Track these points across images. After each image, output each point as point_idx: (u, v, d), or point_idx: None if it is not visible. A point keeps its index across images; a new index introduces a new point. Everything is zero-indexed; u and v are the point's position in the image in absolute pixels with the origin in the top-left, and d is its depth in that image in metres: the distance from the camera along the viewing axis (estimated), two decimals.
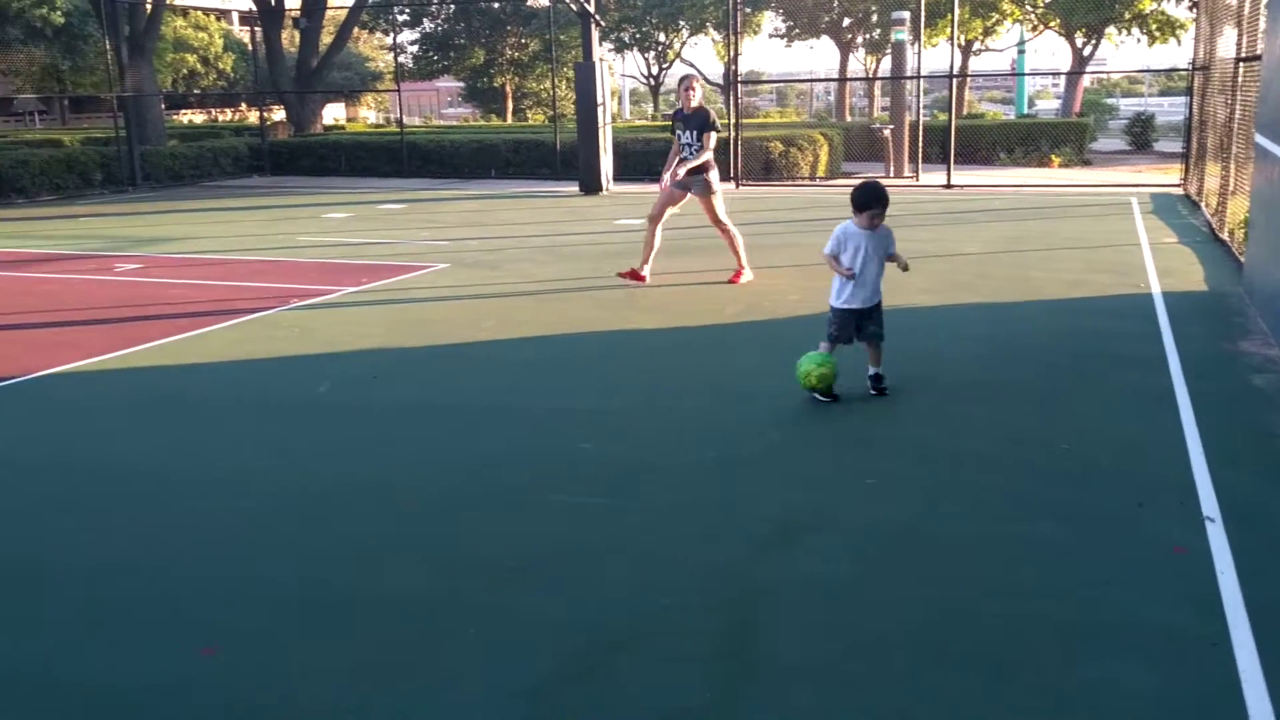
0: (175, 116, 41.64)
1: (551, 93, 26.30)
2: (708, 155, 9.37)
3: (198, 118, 46.04)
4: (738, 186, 19.20)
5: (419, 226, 14.34)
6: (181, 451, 5.46)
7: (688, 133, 9.37)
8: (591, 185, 18.33)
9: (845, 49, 38.84)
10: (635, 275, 9.75)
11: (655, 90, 49.18)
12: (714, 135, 9.37)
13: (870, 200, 5.99)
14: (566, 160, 20.76)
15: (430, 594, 3.84)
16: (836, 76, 40.09)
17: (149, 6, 24.27)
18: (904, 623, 3.56)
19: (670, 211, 9.72)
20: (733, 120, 19.64)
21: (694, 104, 9.40)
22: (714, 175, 9.49)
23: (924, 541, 4.20)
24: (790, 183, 20.00)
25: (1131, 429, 5.48)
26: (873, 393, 6.11)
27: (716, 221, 9.64)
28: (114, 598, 3.86)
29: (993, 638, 3.46)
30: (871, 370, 6.18)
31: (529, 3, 18.05)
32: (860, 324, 6.11)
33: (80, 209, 17.77)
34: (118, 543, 4.34)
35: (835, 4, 35.44)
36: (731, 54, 20.08)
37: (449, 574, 4.00)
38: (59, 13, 35.45)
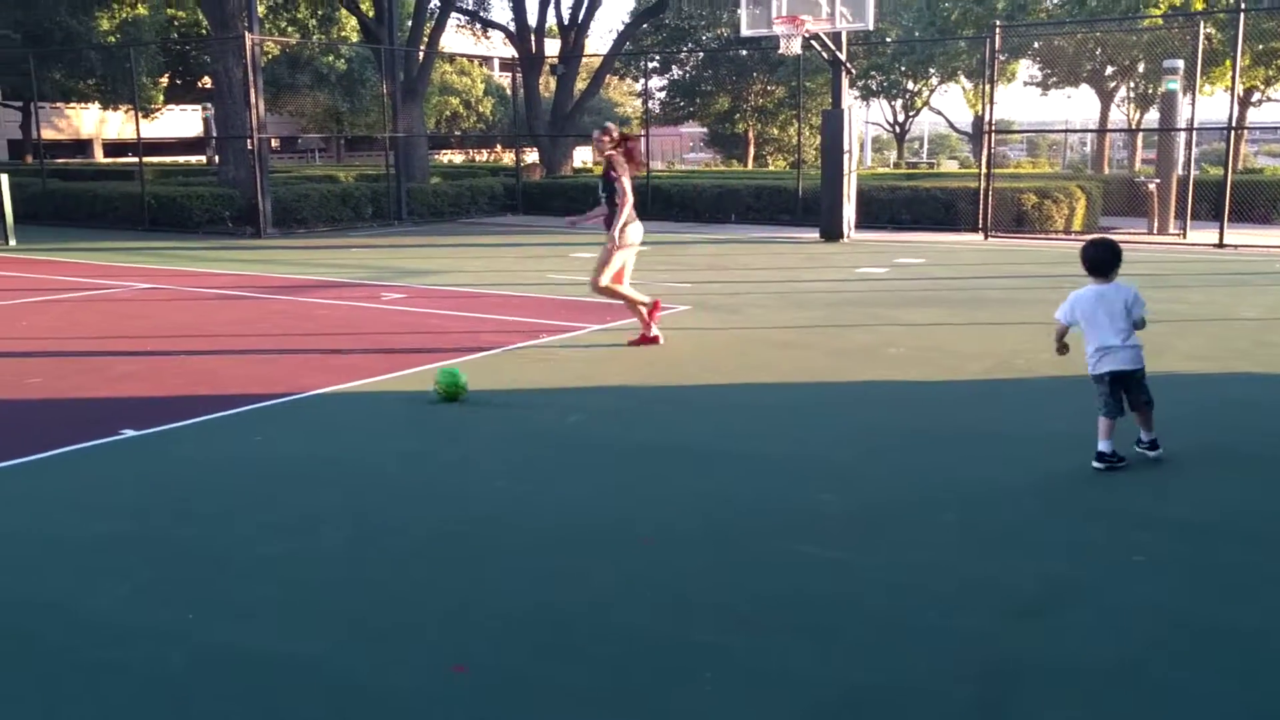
0: (437, 156, 44.24)
1: (797, 139, 26.30)
2: (623, 209, 8.82)
3: (457, 157, 48.77)
4: (986, 238, 18.59)
5: (661, 269, 14.61)
6: (427, 474, 5.73)
7: (601, 185, 9.06)
8: (833, 232, 18.19)
9: (1106, 98, 37.09)
10: (645, 339, 9.13)
11: (900, 138, 48.47)
12: (619, 188, 8.79)
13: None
14: (808, 206, 20.70)
15: (666, 634, 3.85)
16: (1097, 127, 38.27)
17: (422, 54, 25.98)
18: (1171, 715, 3.29)
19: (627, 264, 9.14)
20: (984, 170, 19.07)
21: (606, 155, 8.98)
22: (612, 234, 8.87)
23: (1202, 629, 3.87)
24: (1043, 236, 19.19)
25: None
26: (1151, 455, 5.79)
27: (595, 283, 9.02)
28: (371, 611, 4.07)
29: None
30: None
31: (779, 51, 18.15)
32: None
33: (352, 240, 19.10)
34: (371, 560, 4.58)
35: (1099, 52, 33.92)
36: (986, 102, 19.52)
37: (686, 615, 4.00)
38: (343, 60, 38.38)
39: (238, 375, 8.02)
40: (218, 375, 8.03)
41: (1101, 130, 36.93)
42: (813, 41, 17.56)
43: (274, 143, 42.80)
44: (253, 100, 19.77)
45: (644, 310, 9.14)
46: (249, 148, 20.25)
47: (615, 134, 8.99)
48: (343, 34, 37.83)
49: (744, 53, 40.55)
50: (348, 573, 4.43)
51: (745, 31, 18.31)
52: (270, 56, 36.02)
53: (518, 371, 8.15)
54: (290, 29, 32.60)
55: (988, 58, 19.36)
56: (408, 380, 7.87)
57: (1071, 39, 32.45)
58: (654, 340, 9.10)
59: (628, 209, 8.86)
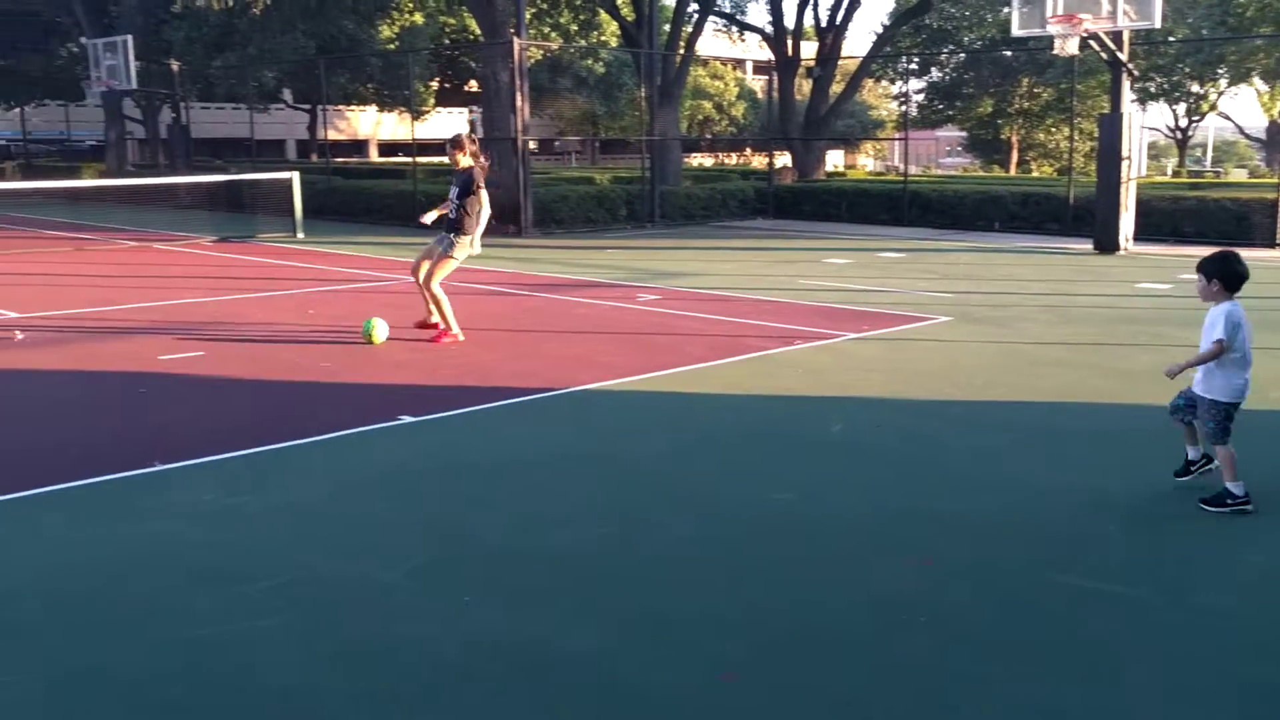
0: (686, 159, 44.81)
1: (1069, 144, 24.93)
2: (480, 219, 9.25)
3: (707, 161, 49.18)
4: None
5: (919, 276, 14.14)
6: (694, 476, 5.70)
7: (452, 189, 9.32)
8: (1108, 244, 17.08)
9: None
10: (443, 336, 9.29)
11: (1181, 144, 45.22)
12: (476, 198, 9.15)
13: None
14: (1079, 215, 19.55)
15: (932, 660, 3.64)
16: None
17: (679, 58, 26.29)
18: None
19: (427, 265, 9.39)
20: None
21: (461, 164, 9.22)
22: (463, 240, 9.23)
23: None
24: None
25: None
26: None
27: (428, 279, 9.27)
28: (640, 609, 4.05)
29: None
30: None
31: (1053, 52, 17.23)
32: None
33: (607, 241, 19.53)
34: (634, 556, 4.58)
35: None
36: None
37: (950, 642, 3.77)
38: (601, 64, 39.41)
39: (503, 369, 8.29)
40: (485, 368, 8.32)
41: None
42: (1090, 41, 16.55)
43: (532, 145, 44.59)
44: (518, 103, 20.53)
45: (441, 318, 9.32)
46: (513, 149, 21.05)
47: (476, 145, 9.40)
48: (602, 38, 38.88)
49: (1010, 54, 38.89)
50: (615, 568, 4.45)
51: (1016, 32, 17.47)
52: (533, 61, 37.42)
53: (773, 378, 8.04)
54: (553, 34, 33.75)
55: None
56: (666, 380, 7.90)
57: None
58: (448, 336, 9.31)
59: (485, 220, 9.30)
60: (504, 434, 6.53)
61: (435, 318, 9.39)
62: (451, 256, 9.29)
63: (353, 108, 44.21)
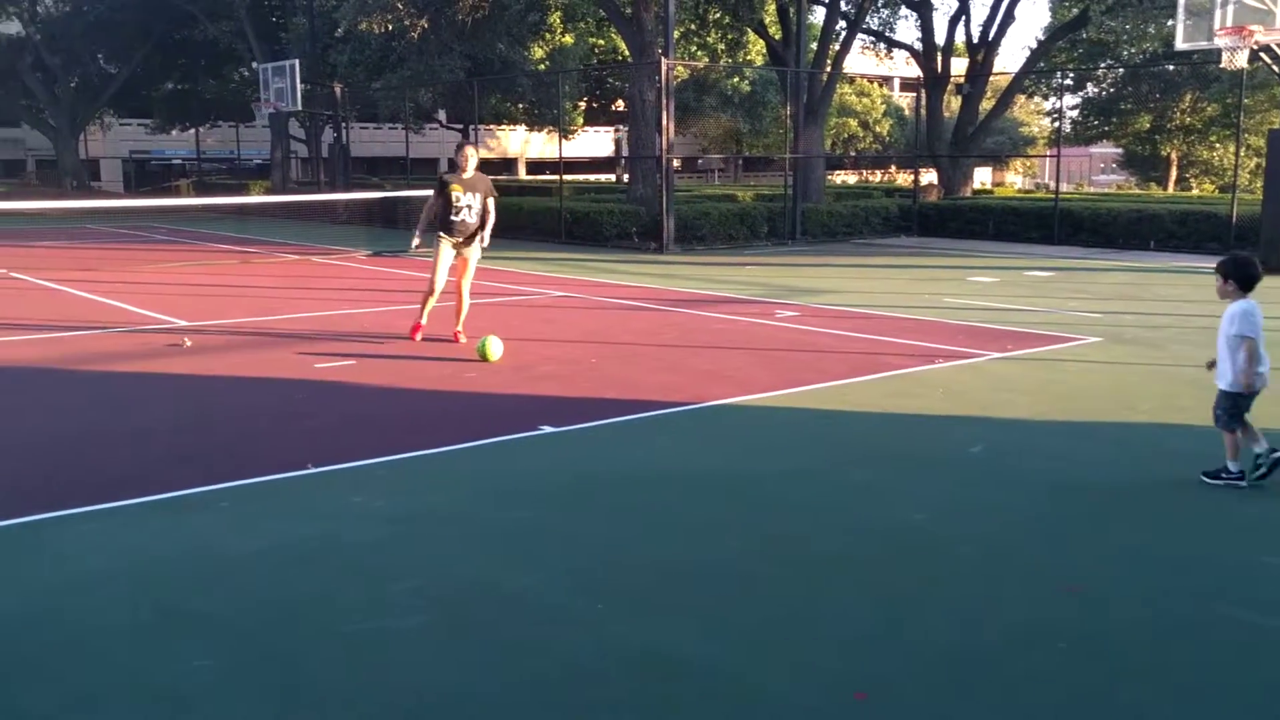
0: (830, 176, 44.46)
1: (1234, 161, 23.85)
2: (489, 225, 9.95)
3: (850, 178, 48.70)
4: None
5: (1068, 296, 13.73)
6: (829, 494, 5.69)
7: (470, 194, 9.77)
8: (1274, 262, 16.19)
9: None
10: (413, 331, 10.18)
11: None
12: (489, 207, 9.92)
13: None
14: (1242, 234, 18.66)
15: (1082, 687, 3.56)
16: None
17: (826, 76, 26.16)
18: None
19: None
20: None
21: (471, 170, 9.77)
22: (485, 243, 10.03)
23: None
24: None
25: None
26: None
27: (466, 285, 10.05)
28: (774, 625, 4.08)
29: None
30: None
31: (1220, 65, 16.53)
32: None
33: (747, 258, 19.56)
34: (767, 572, 4.61)
35: None
36: None
37: (1106, 670, 3.68)
38: (747, 82, 39.49)
39: (642, 382, 8.42)
40: (624, 380, 8.47)
41: None
42: (1261, 54, 15.83)
43: (676, 162, 44.89)
44: (664, 122, 20.77)
45: (422, 318, 10.17)
46: (656, 167, 21.30)
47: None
48: (748, 57, 38.95)
49: (1171, 68, 37.36)
50: (751, 583, 4.49)
51: (1180, 45, 16.85)
52: (679, 80, 37.76)
53: (912, 396, 7.94)
54: (700, 53, 33.98)
55: None
56: (803, 397, 7.89)
57: None
58: (415, 332, 10.13)
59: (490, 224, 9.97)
60: (642, 447, 6.64)
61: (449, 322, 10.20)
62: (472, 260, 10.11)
63: (503, 127, 45.36)
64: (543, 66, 36.11)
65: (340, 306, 12.79)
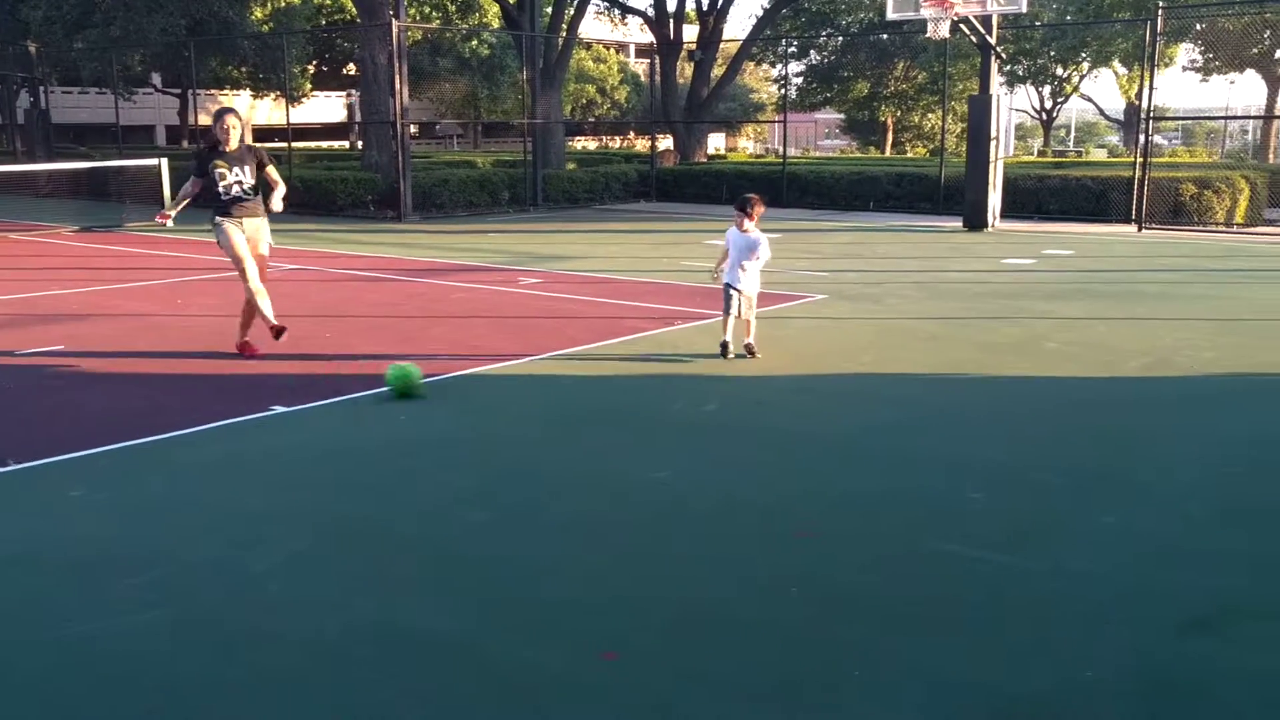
0: (570, 142, 44.69)
1: (941, 126, 25.63)
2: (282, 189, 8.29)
3: (591, 144, 49.12)
4: (1140, 229, 17.78)
5: (797, 256, 14.39)
6: (574, 459, 5.72)
7: (239, 169, 8.01)
8: (977, 221, 17.64)
9: (1275, 83, 35.09)
10: (247, 348, 8.21)
11: (1047, 125, 46.86)
12: (271, 177, 8.24)
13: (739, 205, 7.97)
14: (950, 195, 20.16)
15: (816, 628, 3.75)
16: (1263, 114, 36.25)
17: (561, 41, 26.17)
18: None
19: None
20: (1140, 158, 18.27)
21: (235, 141, 8.04)
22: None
23: None
24: (1201, 228, 18.25)
25: None
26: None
27: (259, 275, 8.14)
28: (523, 589, 4.06)
29: None
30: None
31: (926, 35, 17.66)
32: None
33: (488, 225, 19.39)
34: (512, 540, 4.59)
35: (1267, 35, 32.08)
36: (1145, 88, 18.63)
37: (836, 612, 3.89)
38: (485, 46, 38.98)
39: (381, 355, 8.18)
40: (363, 355, 8.20)
41: (1269, 117, 35.00)
42: (961, 25, 17.04)
43: (413, 128, 43.80)
44: (397, 86, 20.20)
45: (266, 311, 8.10)
46: (392, 133, 20.72)
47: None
48: (484, 20, 38.44)
49: (886, 37, 39.72)
50: (493, 552, 4.44)
51: (891, 15, 17.88)
52: (413, 42, 36.80)
53: (652, 357, 8.11)
54: (434, 15, 33.27)
55: (1148, 41, 18.47)
56: (546, 363, 7.90)
57: (1238, 20, 30.78)
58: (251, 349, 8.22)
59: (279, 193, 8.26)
60: (382, 422, 6.45)
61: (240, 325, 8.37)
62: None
63: (225, 92, 42.89)
64: (266, 27, 34.32)
65: (46, 287, 11.74)
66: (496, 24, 36.86)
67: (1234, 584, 4.12)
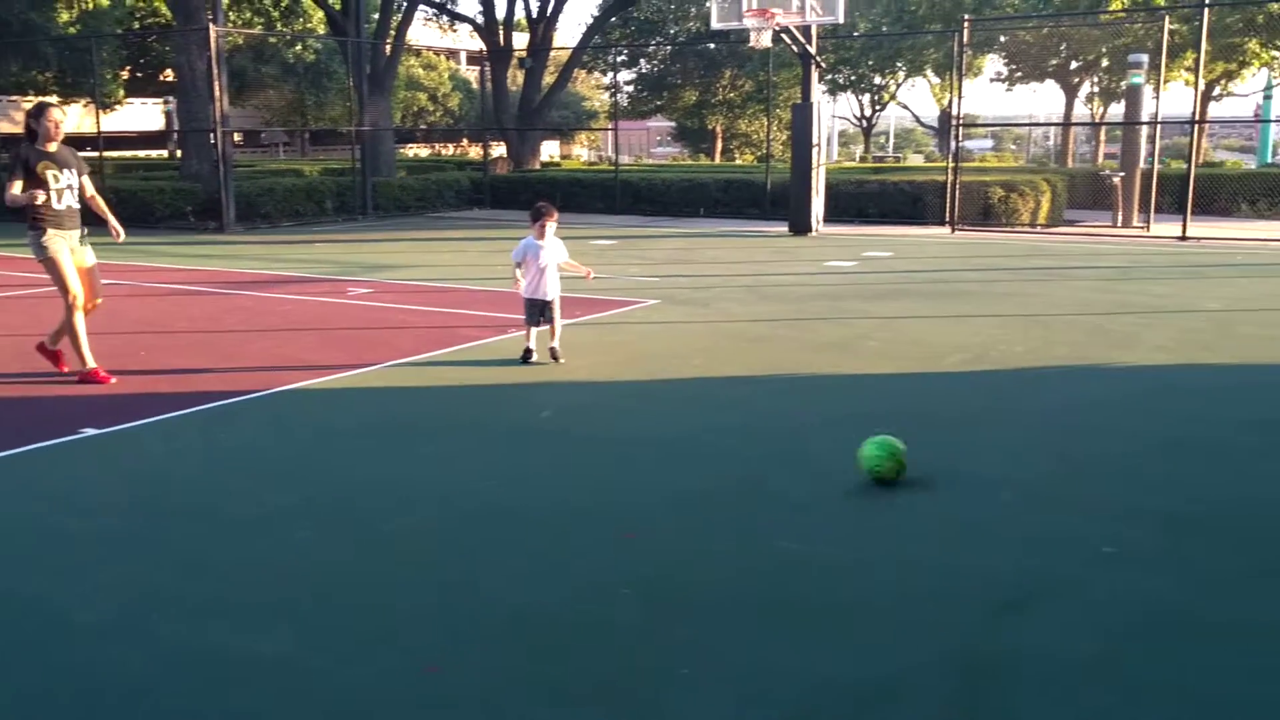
0: (402, 150, 43.96)
1: (766, 133, 26.31)
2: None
3: (423, 151, 48.45)
4: (953, 231, 18.67)
5: (630, 262, 14.55)
6: (404, 471, 5.64)
7: (69, 173, 7.27)
8: (801, 226, 18.20)
9: (1071, 92, 37.39)
10: (92, 375, 7.47)
11: (867, 132, 48.67)
12: (87, 184, 7.48)
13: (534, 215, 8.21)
14: (776, 200, 20.72)
15: (648, 630, 3.80)
16: (1061, 121, 38.58)
17: (389, 47, 25.74)
18: (1151, 710, 3.28)
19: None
20: (951, 163, 19.19)
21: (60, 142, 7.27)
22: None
23: (1175, 620, 3.87)
24: (1009, 229, 19.30)
25: None
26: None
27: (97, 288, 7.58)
28: (351, 606, 3.98)
29: None
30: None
31: (749, 45, 18.10)
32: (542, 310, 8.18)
33: (316, 235, 18.90)
34: (343, 549, 4.50)
35: (1063, 47, 34.15)
36: (954, 96, 19.58)
37: (665, 611, 3.95)
38: (311, 52, 37.99)
39: (202, 372, 7.88)
40: (182, 372, 7.88)
41: (1066, 124, 37.25)
42: (783, 35, 17.54)
43: (237, 137, 42.28)
44: (216, 93, 19.49)
45: (82, 349, 7.49)
46: (212, 141, 19.98)
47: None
48: (308, 25, 37.44)
49: (713, 46, 40.54)
50: (317, 569, 4.34)
51: (715, 24, 18.27)
52: (233, 46, 35.52)
53: (485, 367, 8.07)
54: (255, 20, 32.21)
55: (956, 51, 19.42)
56: (376, 375, 7.77)
57: (1037, 34, 32.67)
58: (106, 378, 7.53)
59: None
60: (199, 441, 6.21)
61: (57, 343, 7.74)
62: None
63: (29, 98, 40.47)
64: (73, 30, 32.58)
65: None
66: (322, 29, 35.98)
67: (1041, 565, 4.38)
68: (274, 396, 7.17)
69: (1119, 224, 19.64)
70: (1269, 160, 34.33)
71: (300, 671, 3.53)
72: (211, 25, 19.40)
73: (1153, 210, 18.88)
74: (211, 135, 19.95)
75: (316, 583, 4.23)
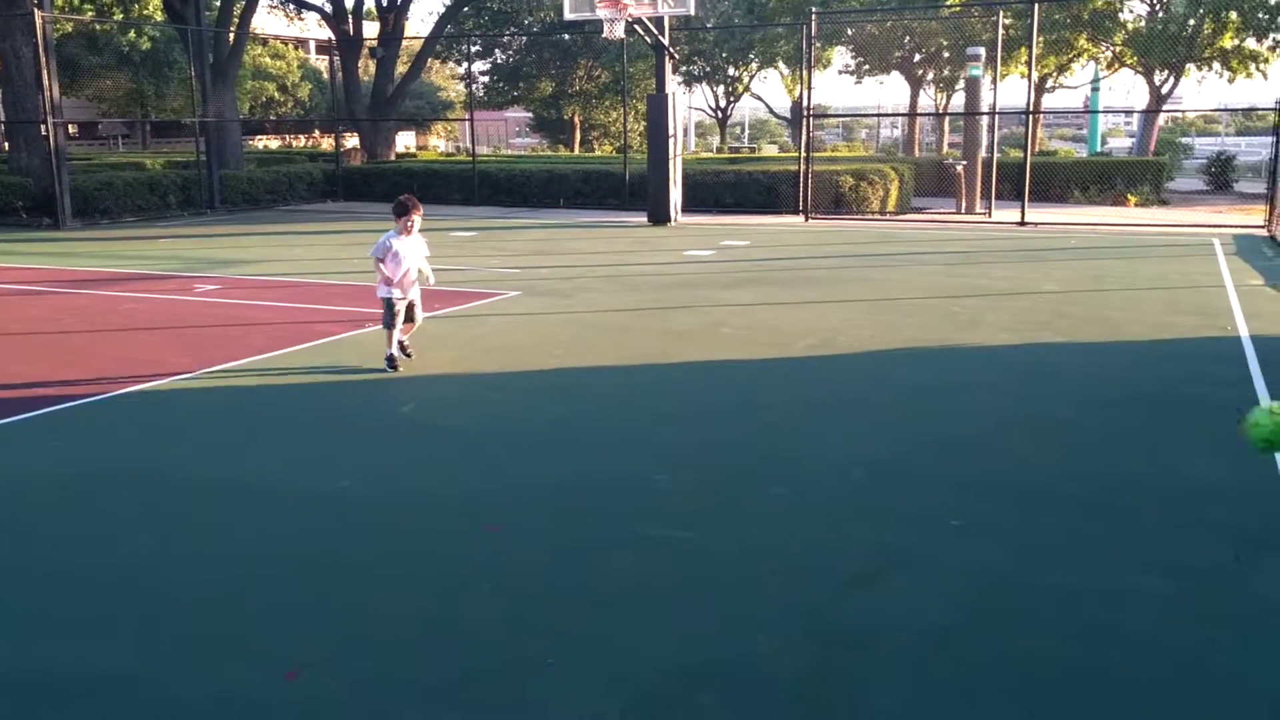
0: (251, 141, 42.53)
1: (622, 124, 26.42)
2: None
3: (273, 143, 47.00)
4: (806, 219, 19.11)
5: (490, 254, 14.44)
6: (261, 469, 5.49)
7: None
8: (660, 216, 18.36)
9: (916, 84, 38.64)
10: None
11: (722, 123, 49.34)
12: None
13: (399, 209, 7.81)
14: (635, 191, 20.85)
15: (511, 622, 3.80)
16: (907, 112, 39.86)
17: (232, 35, 24.87)
18: (997, 674, 3.45)
19: None
20: (803, 154, 19.62)
21: None
22: None
23: (1018, 589, 4.07)
24: (860, 217, 19.86)
25: (1224, 478, 5.30)
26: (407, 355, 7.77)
27: None
28: (197, 614, 3.86)
29: (1088, 692, 3.33)
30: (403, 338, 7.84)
31: (603, 35, 18.14)
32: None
33: (160, 230, 18.17)
34: (190, 560, 4.36)
35: (907, 40, 35.27)
36: (805, 88, 20.03)
37: (530, 603, 3.95)
38: (147, 39, 36.41)
39: (35, 376, 7.51)
40: (13, 376, 7.49)
41: (911, 115, 38.51)
42: (636, 26, 17.63)
43: (71, 128, 40.26)
44: (45, 82, 18.51)
45: None
46: (44, 133, 18.98)
47: None
48: (145, 12, 35.85)
49: (567, 37, 40.45)
50: (162, 579, 4.19)
51: (568, 15, 18.23)
52: (63, 33, 33.74)
53: (341, 362, 7.91)
54: (86, 6, 30.68)
55: (804, 44, 19.86)
56: (224, 375, 7.52)
57: (882, 26, 33.66)
58: None
59: None
60: (31, 449, 5.92)
61: None
62: None
63: None
64: None
65: None
66: (159, 17, 34.49)
67: (890, 540, 4.54)
68: (119, 399, 6.87)
69: (963, 210, 20.43)
70: (1098, 149, 36.20)
71: (151, 686, 3.40)
72: (37, 10, 18.40)
73: (994, 197, 19.69)
74: (42, 126, 18.96)
75: (162, 594, 4.08)
